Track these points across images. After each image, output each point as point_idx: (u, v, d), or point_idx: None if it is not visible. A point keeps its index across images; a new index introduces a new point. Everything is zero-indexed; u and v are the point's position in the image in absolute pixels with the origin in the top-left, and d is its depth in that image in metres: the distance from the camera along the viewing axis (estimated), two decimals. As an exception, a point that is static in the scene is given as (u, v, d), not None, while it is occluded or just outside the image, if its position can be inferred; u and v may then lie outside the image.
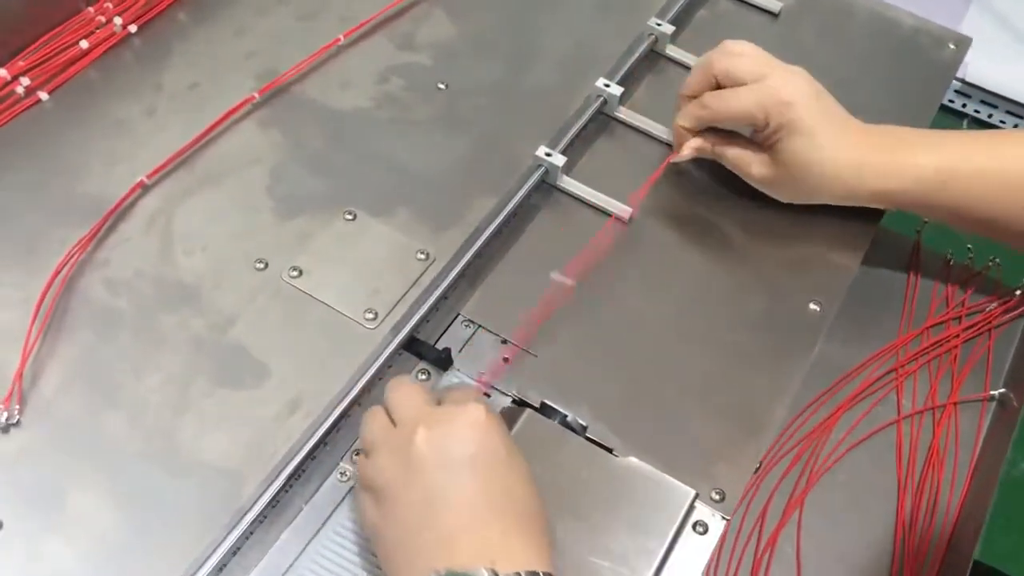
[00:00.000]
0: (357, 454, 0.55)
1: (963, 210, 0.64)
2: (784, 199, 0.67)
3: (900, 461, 0.65)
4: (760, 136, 0.65)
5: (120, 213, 0.64)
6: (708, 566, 0.54)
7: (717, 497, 0.55)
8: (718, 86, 0.65)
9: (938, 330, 0.72)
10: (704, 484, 0.55)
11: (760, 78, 0.63)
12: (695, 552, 0.54)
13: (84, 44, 0.71)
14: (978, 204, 0.63)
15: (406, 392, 0.52)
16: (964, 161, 0.63)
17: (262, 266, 0.62)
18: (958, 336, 0.71)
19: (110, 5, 0.74)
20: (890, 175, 0.63)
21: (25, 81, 0.68)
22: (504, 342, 0.61)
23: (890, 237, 0.77)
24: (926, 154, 0.63)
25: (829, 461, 0.65)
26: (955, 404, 0.67)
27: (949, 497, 0.64)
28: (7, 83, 0.68)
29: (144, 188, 0.65)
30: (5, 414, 0.54)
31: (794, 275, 0.66)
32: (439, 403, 0.51)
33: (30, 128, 0.67)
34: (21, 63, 0.69)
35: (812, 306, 0.64)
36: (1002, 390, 0.68)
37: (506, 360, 0.60)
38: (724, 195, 0.69)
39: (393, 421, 0.51)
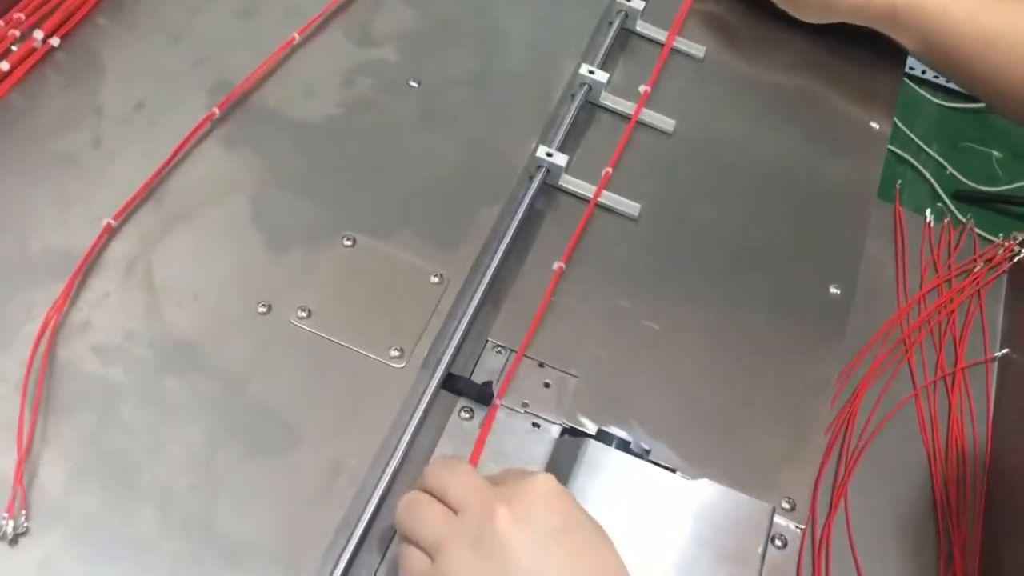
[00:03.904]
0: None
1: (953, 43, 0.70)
2: (805, 17, 0.74)
3: (925, 433, 0.66)
4: None
5: (89, 265, 0.56)
6: None
7: (788, 506, 0.54)
8: None
9: (933, 296, 0.72)
10: (773, 494, 0.54)
11: None
12: (781, 567, 0.52)
13: (5, 65, 0.61)
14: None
15: (462, 475, 0.47)
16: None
17: (265, 310, 0.56)
18: (953, 300, 0.72)
19: (22, 16, 0.64)
20: None
21: (-60, 117, 0.59)
22: (541, 365, 0.57)
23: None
24: None
25: (861, 443, 0.65)
26: (963, 370, 0.68)
27: (975, 461, 0.65)
28: (-82, 121, 0.58)
29: (111, 232, 0.57)
30: (11, 523, 0.47)
31: (809, 261, 0.65)
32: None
33: (-44, 173, 0.58)
34: (-71, 95, 0.59)
35: (833, 290, 0.63)
36: (1005, 351, 0.70)
37: (547, 385, 0.57)
38: (724, 193, 0.67)
39: (451, 508, 0.46)
